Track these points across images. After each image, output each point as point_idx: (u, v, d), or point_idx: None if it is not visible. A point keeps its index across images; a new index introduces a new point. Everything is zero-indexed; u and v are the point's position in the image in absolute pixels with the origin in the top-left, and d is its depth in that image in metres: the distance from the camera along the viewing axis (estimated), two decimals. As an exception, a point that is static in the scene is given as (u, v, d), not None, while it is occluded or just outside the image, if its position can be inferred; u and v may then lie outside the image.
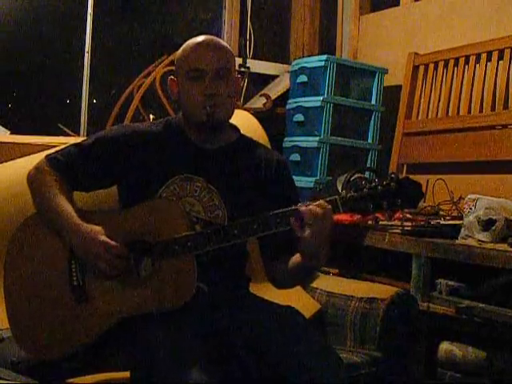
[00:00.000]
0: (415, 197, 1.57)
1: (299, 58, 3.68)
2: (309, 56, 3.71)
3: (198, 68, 1.68)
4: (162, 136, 1.77)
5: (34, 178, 1.73)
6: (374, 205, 1.54)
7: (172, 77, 1.78)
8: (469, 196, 2.45)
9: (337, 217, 2.56)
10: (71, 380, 1.62)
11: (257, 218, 1.58)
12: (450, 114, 3.11)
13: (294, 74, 3.33)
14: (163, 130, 1.78)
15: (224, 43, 1.76)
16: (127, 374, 1.59)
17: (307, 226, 1.51)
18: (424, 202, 2.86)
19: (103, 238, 1.60)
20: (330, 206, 1.53)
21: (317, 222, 1.50)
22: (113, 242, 1.60)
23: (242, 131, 1.86)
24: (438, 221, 2.57)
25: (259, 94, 3.74)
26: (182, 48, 1.75)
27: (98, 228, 1.63)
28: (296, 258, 1.64)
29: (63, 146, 1.78)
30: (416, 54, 3.31)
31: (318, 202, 1.53)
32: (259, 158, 1.81)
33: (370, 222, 2.60)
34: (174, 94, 1.78)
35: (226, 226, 1.62)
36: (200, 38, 1.73)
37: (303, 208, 1.52)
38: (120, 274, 1.61)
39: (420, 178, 1.56)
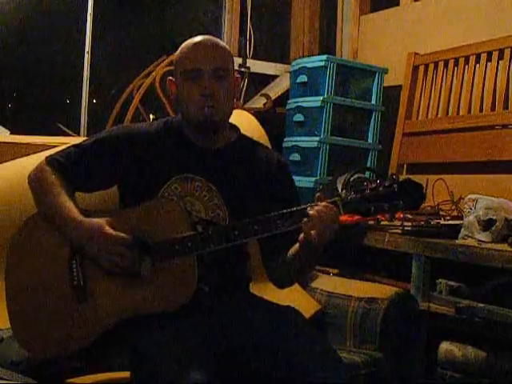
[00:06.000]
0: (417, 199, 1.57)
1: (299, 58, 3.68)
2: (309, 56, 3.71)
3: (195, 68, 1.68)
4: (162, 136, 1.77)
5: (35, 178, 1.73)
6: (376, 207, 1.54)
7: (170, 77, 1.78)
8: (469, 196, 2.45)
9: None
10: (71, 380, 1.62)
11: (259, 219, 1.58)
12: (449, 114, 3.11)
13: (294, 74, 3.33)
14: (163, 131, 1.78)
15: (222, 43, 1.75)
16: (127, 373, 1.59)
17: (314, 227, 1.52)
18: (424, 202, 2.85)
19: (107, 229, 1.60)
20: (335, 208, 1.54)
21: (323, 224, 1.51)
22: (116, 233, 1.60)
23: (241, 131, 1.86)
24: (438, 221, 2.57)
25: (259, 93, 3.75)
26: (179, 48, 1.74)
27: (101, 221, 1.62)
28: (294, 249, 1.65)
29: (63, 147, 1.78)
30: (416, 53, 3.31)
31: (323, 204, 1.53)
32: (259, 158, 1.81)
33: (370, 222, 2.60)
34: (172, 95, 1.78)
35: (227, 227, 1.62)
36: (197, 38, 1.73)
37: (311, 211, 1.53)
38: (122, 271, 1.61)
39: (420, 178, 1.56)
